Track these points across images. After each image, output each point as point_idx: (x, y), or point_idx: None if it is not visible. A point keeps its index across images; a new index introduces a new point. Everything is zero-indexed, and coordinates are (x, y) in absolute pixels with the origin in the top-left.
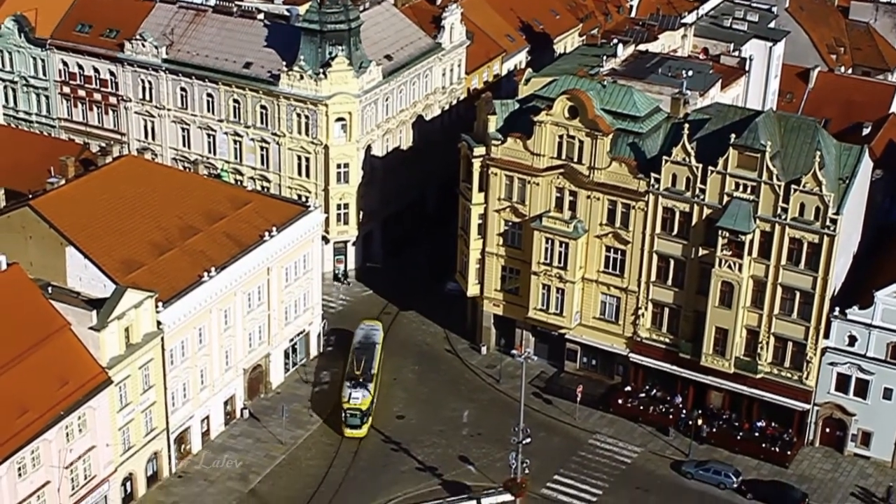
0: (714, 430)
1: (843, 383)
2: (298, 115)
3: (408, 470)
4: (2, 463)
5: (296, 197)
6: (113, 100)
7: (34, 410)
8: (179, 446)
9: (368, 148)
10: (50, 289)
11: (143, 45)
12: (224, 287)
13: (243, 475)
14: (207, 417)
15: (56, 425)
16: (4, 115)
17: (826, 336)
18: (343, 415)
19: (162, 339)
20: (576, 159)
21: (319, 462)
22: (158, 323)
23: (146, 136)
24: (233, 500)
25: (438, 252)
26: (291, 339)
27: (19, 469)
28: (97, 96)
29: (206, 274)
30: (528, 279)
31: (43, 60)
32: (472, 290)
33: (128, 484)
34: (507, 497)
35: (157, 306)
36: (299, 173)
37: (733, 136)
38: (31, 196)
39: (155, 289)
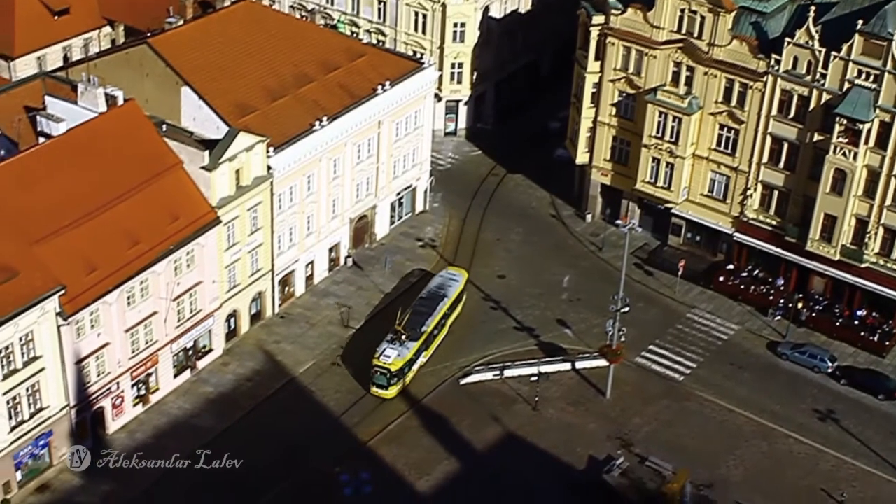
0: (813, 314)
1: None
2: None
3: (505, 329)
4: (112, 291)
5: (410, 53)
6: None
7: (145, 243)
8: (283, 288)
9: (486, 9)
10: (164, 126)
11: None
12: (334, 137)
13: (343, 320)
14: (312, 263)
15: (165, 259)
16: None
17: None
18: (371, 369)
19: (271, 183)
20: (696, 34)
21: None
22: (268, 167)
23: None
24: (332, 343)
25: (550, 117)
26: (398, 193)
27: (129, 298)
28: None
29: (317, 123)
30: (639, 151)
31: None
32: (581, 157)
33: (231, 320)
34: (602, 362)
35: (267, 151)
36: (415, 30)
37: (860, 22)
38: (149, 34)
39: (266, 134)
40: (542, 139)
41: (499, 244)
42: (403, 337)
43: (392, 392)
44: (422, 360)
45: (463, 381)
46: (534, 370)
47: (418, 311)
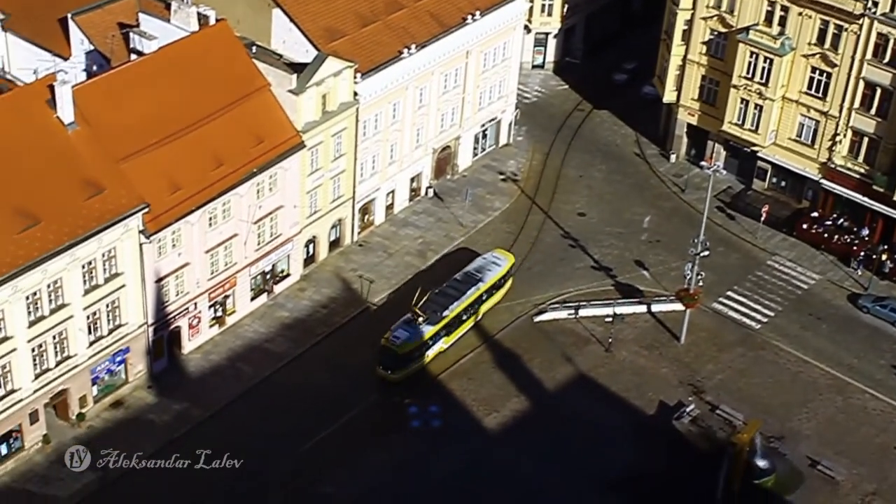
0: None
1: None
2: None
3: (583, 267)
4: (195, 211)
5: None
6: None
7: (229, 164)
8: (363, 216)
9: None
10: (254, 48)
11: None
12: (422, 65)
13: (422, 252)
14: (393, 192)
15: (248, 181)
16: None
17: None
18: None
19: (357, 109)
20: None
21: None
22: (355, 94)
23: None
24: (409, 274)
25: (639, 54)
26: (483, 125)
27: (210, 219)
28: None
29: (405, 50)
30: (727, 91)
31: None
32: (669, 96)
33: (311, 246)
34: (678, 306)
35: (355, 77)
36: None
37: None
38: None
39: (355, 59)
40: (632, 76)
41: (581, 181)
42: (420, 319)
43: (397, 376)
44: (441, 345)
45: (537, 319)
46: (609, 311)
47: (445, 294)
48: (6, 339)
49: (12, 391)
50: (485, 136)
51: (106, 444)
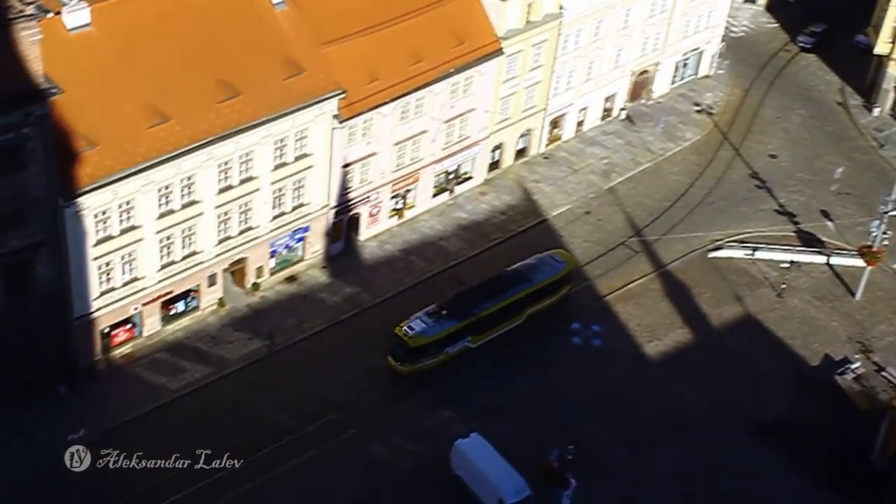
0: None
1: None
2: None
3: (766, 210)
4: (389, 103)
5: None
6: None
7: (427, 62)
8: (552, 129)
9: None
10: None
11: None
12: None
13: (605, 172)
14: (585, 109)
15: (444, 80)
16: None
17: None
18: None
19: (560, 23)
20: None
21: (683, 179)
22: (560, 7)
23: None
24: (590, 192)
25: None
26: (685, 54)
27: (403, 113)
28: None
29: None
30: None
31: None
32: (882, 47)
33: (496, 152)
34: (859, 262)
35: None
36: None
37: None
38: None
39: None
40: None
41: (777, 123)
42: (443, 313)
43: (406, 369)
44: (467, 344)
45: (712, 255)
46: (787, 257)
47: (481, 290)
48: (195, 203)
49: (195, 253)
50: (685, 65)
51: (276, 315)
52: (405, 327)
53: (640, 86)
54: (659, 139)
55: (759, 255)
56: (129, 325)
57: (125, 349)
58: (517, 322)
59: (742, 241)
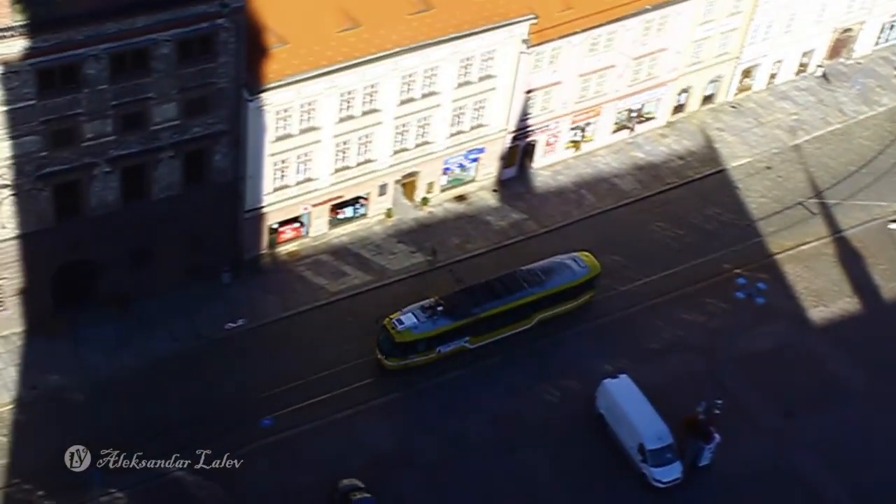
0: None
1: None
2: None
3: None
4: (580, 33)
5: None
6: None
7: None
8: (743, 79)
9: None
10: None
11: None
12: None
13: (793, 129)
14: (780, 62)
15: (639, 16)
16: None
17: None
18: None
19: None
20: None
21: (872, 145)
22: None
23: None
24: (774, 147)
25: None
26: (893, 15)
27: (592, 44)
28: None
29: None
30: None
31: None
32: None
33: (682, 95)
34: None
35: None
36: None
37: None
38: None
39: None
40: None
41: None
42: (439, 309)
43: (391, 364)
44: (464, 344)
45: (892, 226)
46: None
47: (487, 288)
48: (375, 111)
49: (369, 161)
50: (893, 26)
51: (442, 232)
52: (395, 319)
53: (841, 44)
54: (853, 101)
55: None
56: (296, 224)
57: (290, 247)
58: (525, 326)
59: None
